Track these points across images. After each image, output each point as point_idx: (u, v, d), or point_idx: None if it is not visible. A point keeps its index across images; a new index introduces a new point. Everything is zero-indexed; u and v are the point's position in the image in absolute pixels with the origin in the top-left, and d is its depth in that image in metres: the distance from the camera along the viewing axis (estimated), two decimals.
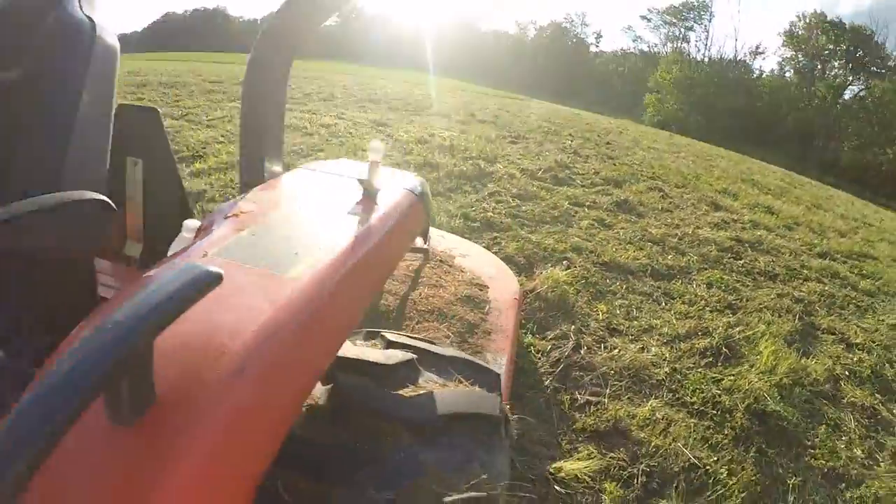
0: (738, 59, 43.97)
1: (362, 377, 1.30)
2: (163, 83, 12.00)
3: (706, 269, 5.86)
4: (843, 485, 3.35)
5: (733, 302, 5.21)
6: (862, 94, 38.26)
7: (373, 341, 1.60)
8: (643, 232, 6.59)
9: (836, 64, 41.47)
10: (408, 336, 1.67)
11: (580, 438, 3.33)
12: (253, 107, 1.89)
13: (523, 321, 4.28)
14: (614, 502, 2.92)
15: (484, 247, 5.31)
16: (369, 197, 1.69)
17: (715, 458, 3.30)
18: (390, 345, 1.54)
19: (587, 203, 7.39)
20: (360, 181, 1.69)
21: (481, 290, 3.66)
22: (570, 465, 3.08)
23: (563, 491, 2.91)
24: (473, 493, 1.11)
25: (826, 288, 6.05)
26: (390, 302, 3.34)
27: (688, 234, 6.77)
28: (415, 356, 1.46)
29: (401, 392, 1.30)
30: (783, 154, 28.64)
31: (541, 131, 12.51)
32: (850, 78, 40.16)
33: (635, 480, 3.08)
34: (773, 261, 6.57)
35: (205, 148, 7.80)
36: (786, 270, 6.34)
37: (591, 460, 3.15)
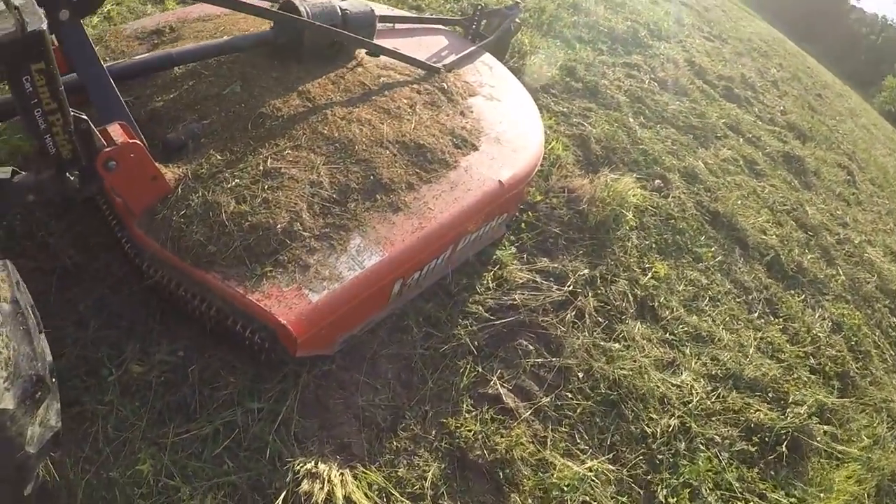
0: None
1: None
2: None
3: (846, 302, 3.84)
4: None
5: (851, 373, 3.28)
6: None
7: None
8: (797, 206, 4.51)
9: None
10: None
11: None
12: None
13: (512, 223, 2.75)
14: None
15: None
16: None
17: None
18: None
19: (747, 134, 5.22)
20: None
21: (458, 148, 2.27)
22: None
23: None
24: None
25: None
26: (290, 107, 2.04)
27: (854, 244, 4.62)
28: None
29: None
30: None
31: (748, 44, 9.69)
32: None
33: None
34: None
35: None
36: None
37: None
